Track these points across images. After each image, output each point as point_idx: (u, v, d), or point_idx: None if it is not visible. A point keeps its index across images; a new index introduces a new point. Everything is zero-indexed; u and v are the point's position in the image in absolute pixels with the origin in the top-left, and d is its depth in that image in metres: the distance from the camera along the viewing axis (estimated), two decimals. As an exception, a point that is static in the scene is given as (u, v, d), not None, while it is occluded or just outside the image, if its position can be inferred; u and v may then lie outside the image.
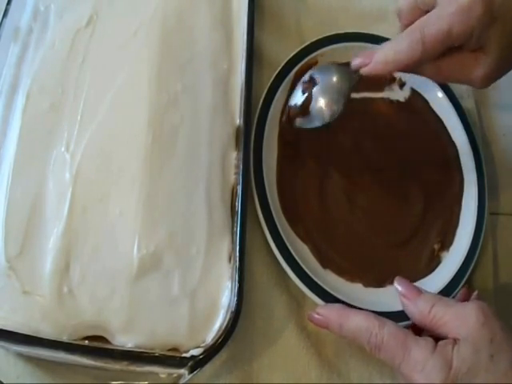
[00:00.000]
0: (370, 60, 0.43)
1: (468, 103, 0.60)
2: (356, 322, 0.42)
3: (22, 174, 0.45)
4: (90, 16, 0.52)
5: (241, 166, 0.47)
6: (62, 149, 0.46)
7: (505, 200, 0.57)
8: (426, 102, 0.58)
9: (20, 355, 0.43)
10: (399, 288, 0.43)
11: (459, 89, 0.59)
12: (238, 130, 0.49)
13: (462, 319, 0.38)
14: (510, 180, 0.58)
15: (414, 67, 0.43)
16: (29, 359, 0.43)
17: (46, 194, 0.45)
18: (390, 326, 0.40)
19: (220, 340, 0.40)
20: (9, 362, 0.43)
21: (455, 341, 0.38)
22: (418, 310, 0.41)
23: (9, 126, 0.47)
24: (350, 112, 0.56)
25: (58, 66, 0.49)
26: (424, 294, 0.42)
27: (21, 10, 0.52)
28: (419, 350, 0.38)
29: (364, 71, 0.44)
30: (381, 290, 0.50)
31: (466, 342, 0.37)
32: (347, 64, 0.46)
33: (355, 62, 0.44)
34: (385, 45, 0.43)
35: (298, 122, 0.50)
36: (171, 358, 0.40)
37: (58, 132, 0.47)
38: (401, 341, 0.39)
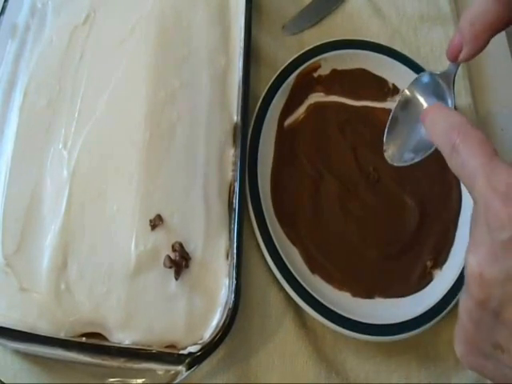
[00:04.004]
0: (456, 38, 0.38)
1: (465, 100, 0.60)
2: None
3: (19, 172, 0.45)
4: (88, 13, 0.52)
5: (238, 163, 0.47)
6: (60, 146, 0.46)
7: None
8: None
9: (17, 352, 0.43)
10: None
11: (456, 86, 0.59)
12: (235, 127, 0.49)
13: None
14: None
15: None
16: (26, 356, 0.43)
17: (43, 191, 0.45)
18: None
19: (217, 337, 0.40)
20: (6, 359, 0.43)
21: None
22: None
23: (6, 123, 0.47)
24: (348, 118, 0.56)
25: (55, 62, 0.49)
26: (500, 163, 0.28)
27: (18, 6, 0.52)
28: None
29: (463, 57, 0.39)
30: (369, 301, 0.49)
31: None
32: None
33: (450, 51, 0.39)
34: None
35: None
36: (169, 355, 0.40)
37: (55, 129, 0.47)
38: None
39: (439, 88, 0.41)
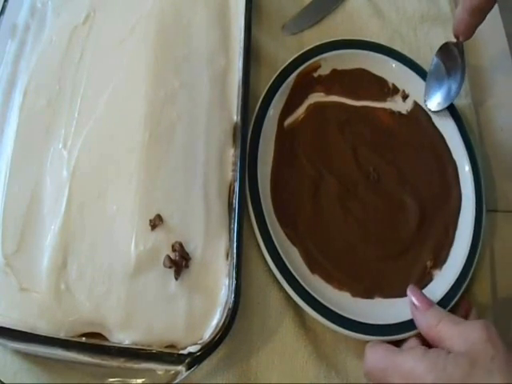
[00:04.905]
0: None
1: (465, 100, 0.60)
2: None
3: (19, 171, 0.46)
4: (88, 13, 0.52)
5: (238, 163, 0.47)
6: (60, 145, 0.46)
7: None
8: (428, 116, 0.57)
9: (17, 352, 0.43)
10: (412, 297, 0.45)
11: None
12: (235, 127, 0.49)
13: (466, 336, 0.39)
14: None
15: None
16: (26, 356, 0.43)
17: (43, 190, 0.45)
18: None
19: (217, 337, 0.40)
20: (6, 359, 0.43)
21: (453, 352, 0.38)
22: (426, 322, 0.43)
23: (6, 123, 0.48)
24: (348, 118, 0.56)
25: (55, 62, 0.50)
26: (434, 308, 0.44)
27: (18, 6, 0.52)
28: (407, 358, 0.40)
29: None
30: (369, 301, 0.49)
31: (464, 355, 0.37)
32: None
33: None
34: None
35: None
36: (168, 355, 0.40)
37: (55, 129, 0.47)
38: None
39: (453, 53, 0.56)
